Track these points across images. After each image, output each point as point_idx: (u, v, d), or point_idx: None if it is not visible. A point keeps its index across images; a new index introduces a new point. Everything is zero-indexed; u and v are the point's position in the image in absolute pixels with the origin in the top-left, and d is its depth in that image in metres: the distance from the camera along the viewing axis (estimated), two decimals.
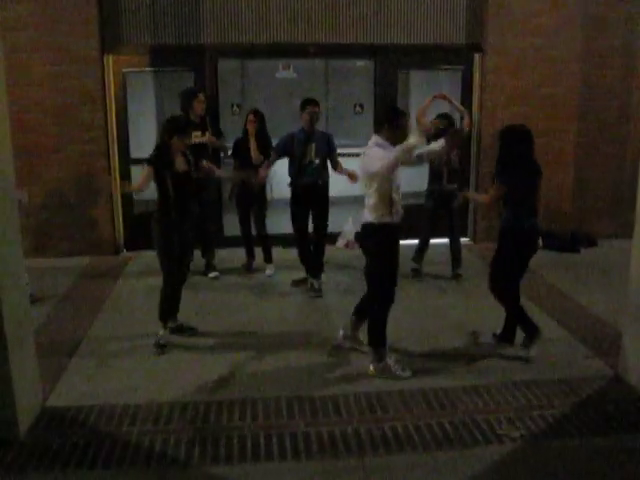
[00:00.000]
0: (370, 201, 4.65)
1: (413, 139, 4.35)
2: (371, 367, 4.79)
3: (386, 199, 4.58)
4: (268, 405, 4.31)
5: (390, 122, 4.60)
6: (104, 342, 5.40)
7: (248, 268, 7.40)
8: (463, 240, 7.45)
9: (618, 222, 8.34)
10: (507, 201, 4.91)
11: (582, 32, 8.15)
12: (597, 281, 6.95)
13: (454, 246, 7.05)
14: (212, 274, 7.15)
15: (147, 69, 8.10)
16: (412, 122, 4.95)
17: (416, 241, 7.12)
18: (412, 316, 5.88)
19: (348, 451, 3.80)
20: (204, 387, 4.59)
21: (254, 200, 7.06)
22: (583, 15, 8.11)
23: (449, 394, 4.46)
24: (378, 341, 4.80)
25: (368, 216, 4.69)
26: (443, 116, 6.65)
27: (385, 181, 4.54)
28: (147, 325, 5.61)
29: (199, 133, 6.81)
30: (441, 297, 6.53)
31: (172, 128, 5.20)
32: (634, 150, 8.28)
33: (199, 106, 6.82)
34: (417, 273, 7.09)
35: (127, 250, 8.19)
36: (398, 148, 4.38)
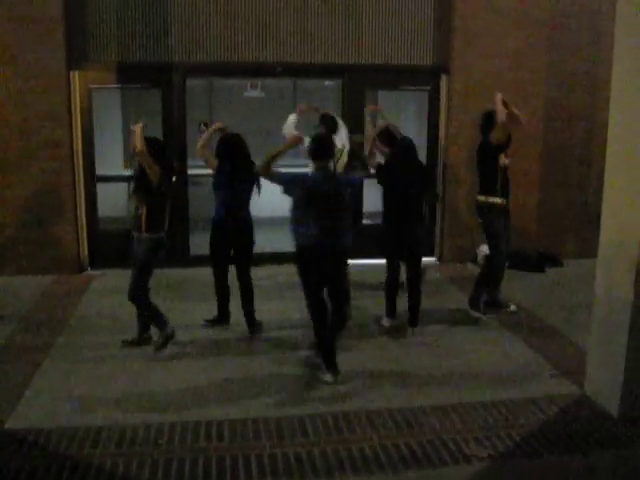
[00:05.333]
0: None
1: None
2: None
3: None
4: (234, 426, 4.24)
5: None
6: (66, 362, 5.27)
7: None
8: (429, 259, 7.40)
9: (583, 242, 8.45)
10: None
11: (547, 55, 8.32)
12: (562, 300, 7.01)
13: None
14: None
15: (114, 86, 8.03)
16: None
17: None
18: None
19: (315, 473, 3.75)
20: (168, 408, 4.50)
21: None
22: (547, 38, 8.28)
23: (416, 414, 4.44)
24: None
25: None
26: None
27: None
28: (111, 345, 5.51)
29: None
30: None
31: None
32: (598, 170, 8.39)
33: None
34: None
35: (92, 268, 8.05)
36: None
